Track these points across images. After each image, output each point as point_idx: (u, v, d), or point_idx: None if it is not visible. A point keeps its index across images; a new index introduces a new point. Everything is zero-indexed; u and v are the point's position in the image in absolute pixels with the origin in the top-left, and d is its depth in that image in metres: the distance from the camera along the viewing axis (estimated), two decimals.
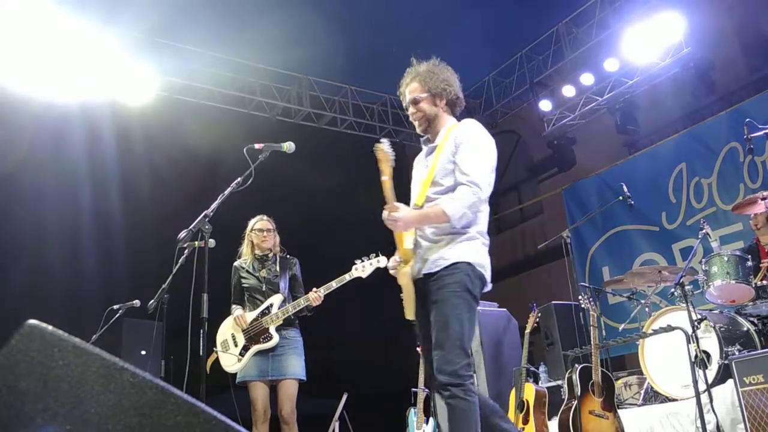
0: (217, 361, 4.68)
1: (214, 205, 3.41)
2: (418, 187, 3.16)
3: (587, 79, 8.92)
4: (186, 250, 3.52)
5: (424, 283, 3.02)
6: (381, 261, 4.43)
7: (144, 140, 8.69)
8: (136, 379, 1.03)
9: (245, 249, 4.89)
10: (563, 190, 9.85)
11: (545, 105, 9.52)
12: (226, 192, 3.45)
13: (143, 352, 7.66)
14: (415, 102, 3.22)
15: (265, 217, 4.91)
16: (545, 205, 11.57)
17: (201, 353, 3.28)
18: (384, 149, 3.04)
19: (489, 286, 3.11)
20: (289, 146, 3.59)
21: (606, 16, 8.80)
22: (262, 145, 3.49)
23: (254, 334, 4.56)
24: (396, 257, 3.17)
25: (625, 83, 8.80)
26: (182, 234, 3.32)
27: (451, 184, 3.03)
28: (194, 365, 3.37)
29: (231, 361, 4.57)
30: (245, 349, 4.55)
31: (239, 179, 3.47)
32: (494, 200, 13.11)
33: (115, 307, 5.08)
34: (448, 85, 3.24)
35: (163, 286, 3.80)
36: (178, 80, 8.84)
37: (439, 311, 2.91)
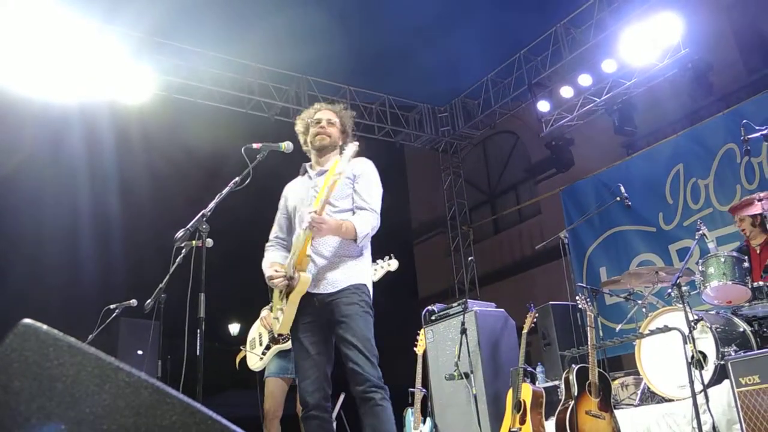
0: (244, 358, 4.93)
1: (211, 205, 3.40)
2: (308, 206, 3.29)
3: (585, 80, 8.93)
4: (183, 250, 3.52)
5: (324, 303, 3.20)
6: (392, 264, 4.56)
7: (142, 140, 8.69)
8: (131, 379, 1.03)
9: None
10: (561, 191, 9.86)
11: (543, 106, 9.52)
12: (224, 191, 3.44)
13: (140, 352, 7.66)
14: (331, 123, 3.55)
15: None
16: (543, 205, 11.60)
17: (198, 353, 3.28)
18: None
19: None
20: (287, 146, 3.58)
21: (604, 18, 8.82)
22: (260, 144, 3.48)
23: (277, 334, 4.68)
24: (287, 265, 3.26)
25: (622, 84, 8.81)
26: (179, 233, 3.31)
27: (347, 207, 3.34)
28: (191, 365, 3.37)
29: (254, 360, 4.81)
30: (268, 348, 4.75)
31: (237, 179, 3.46)
32: (492, 200, 13.24)
33: (112, 306, 5.09)
34: (352, 131, 3.68)
35: (161, 285, 3.80)
36: (176, 79, 8.85)
37: (353, 328, 3.10)
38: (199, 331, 3.28)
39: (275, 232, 3.63)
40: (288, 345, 4.60)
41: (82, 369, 1.02)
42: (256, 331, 4.89)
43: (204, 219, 3.36)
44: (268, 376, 4.69)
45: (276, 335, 4.69)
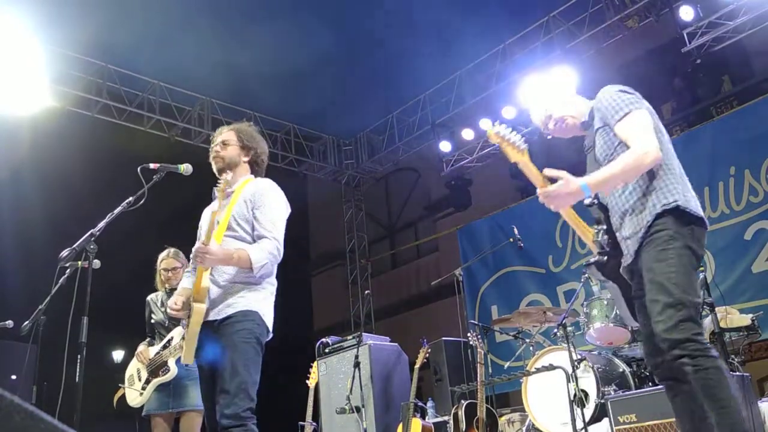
0: (123, 396, 4.67)
1: (101, 224, 3.25)
2: (212, 228, 3.10)
3: (486, 124, 9.26)
4: (68, 270, 3.34)
5: (215, 329, 3.07)
6: None
7: (32, 152, 8.25)
8: (2, 403, 0.96)
9: (158, 283, 4.77)
10: (458, 230, 10.11)
11: (445, 146, 9.80)
12: (116, 211, 3.30)
13: (14, 377, 7.19)
14: (224, 143, 3.40)
15: (171, 253, 4.71)
16: (441, 242, 11.83)
17: (77, 380, 3.10)
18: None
19: (270, 335, 3.20)
20: (186, 168, 3.49)
21: (505, 67, 9.22)
22: (157, 165, 3.38)
23: (155, 367, 4.51)
24: (181, 296, 3.18)
25: (521, 131, 9.17)
26: (65, 252, 3.13)
27: (244, 234, 3.16)
28: (69, 392, 3.17)
29: (133, 395, 4.57)
30: (147, 382, 4.52)
31: (131, 199, 3.33)
32: (391, 235, 13.38)
33: None
34: (258, 147, 3.50)
35: (40, 306, 3.58)
36: (71, 91, 8.48)
37: (229, 357, 2.97)
38: (79, 356, 3.10)
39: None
40: (165, 377, 4.43)
41: None
42: (134, 367, 4.67)
43: (92, 239, 3.20)
44: (150, 412, 4.46)
45: (153, 369, 4.52)
